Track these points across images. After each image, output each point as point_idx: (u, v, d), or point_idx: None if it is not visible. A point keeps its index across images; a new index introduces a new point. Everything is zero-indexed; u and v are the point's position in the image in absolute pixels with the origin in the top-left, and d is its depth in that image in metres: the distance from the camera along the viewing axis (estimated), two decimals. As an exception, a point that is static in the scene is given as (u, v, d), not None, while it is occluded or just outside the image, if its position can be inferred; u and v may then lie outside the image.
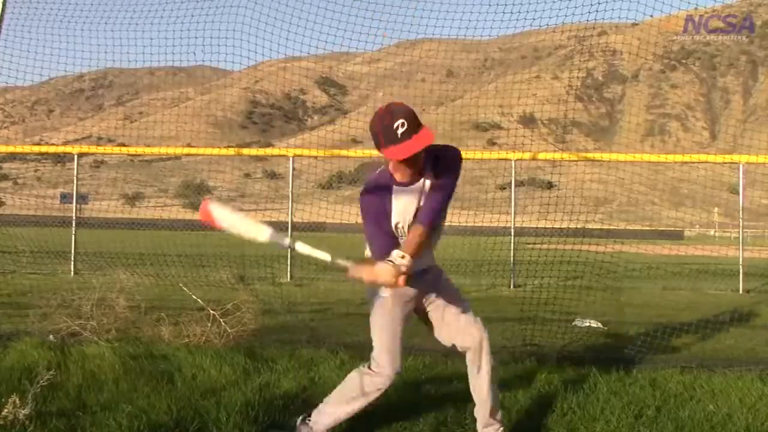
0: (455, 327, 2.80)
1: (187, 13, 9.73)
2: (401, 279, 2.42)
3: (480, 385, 2.79)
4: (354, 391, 2.81)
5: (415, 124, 2.46)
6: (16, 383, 3.39)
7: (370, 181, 2.69)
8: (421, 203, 2.62)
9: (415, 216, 2.63)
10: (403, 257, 2.44)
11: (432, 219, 2.59)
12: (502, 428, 2.82)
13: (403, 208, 2.63)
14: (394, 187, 2.62)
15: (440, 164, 2.62)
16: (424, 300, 2.86)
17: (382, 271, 2.41)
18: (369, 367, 2.81)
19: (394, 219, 2.63)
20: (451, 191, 2.65)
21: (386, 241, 2.58)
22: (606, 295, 8.85)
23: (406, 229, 2.64)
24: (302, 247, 2.55)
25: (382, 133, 2.47)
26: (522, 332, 5.30)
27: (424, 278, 2.80)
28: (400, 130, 2.43)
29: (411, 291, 2.76)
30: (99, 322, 4.79)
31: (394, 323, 2.78)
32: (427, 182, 2.62)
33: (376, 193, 2.64)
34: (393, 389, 3.53)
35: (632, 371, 4.02)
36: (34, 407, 2.92)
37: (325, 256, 2.51)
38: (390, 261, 2.43)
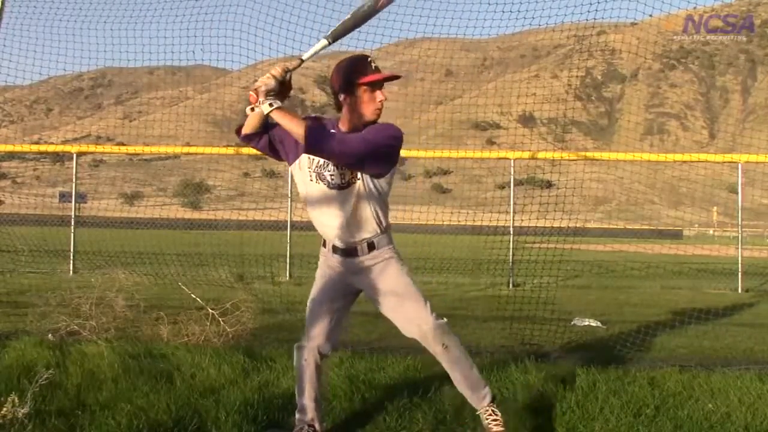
0: (399, 322, 2.80)
1: (186, 12, 9.71)
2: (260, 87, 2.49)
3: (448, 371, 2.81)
4: (296, 372, 2.90)
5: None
6: (15, 382, 3.39)
7: (320, 116, 2.86)
8: None
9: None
10: (271, 104, 2.49)
11: (313, 140, 2.48)
12: (489, 410, 2.80)
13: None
14: (333, 130, 2.71)
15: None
16: (367, 289, 2.84)
17: (270, 83, 2.49)
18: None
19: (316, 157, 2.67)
20: (375, 145, 2.60)
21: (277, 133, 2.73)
22: (605, 294, 8.86)
23: (320, 174, 2.70)
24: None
25: (358, 65, 2.67)
26: (521, 331, 5.30)
27: (355, 261, 2.77)
28: (374, 64, 2.68)
29: (338, 266, 2.81)
30: (98, 321, 4.80)
31: (318, 294, 2.86)
32: None
33: (320, 122, 2.75)
34: (392, 388, 3.55)
35: (631, 370, 4.02)
36: (33, 406, 2.92)
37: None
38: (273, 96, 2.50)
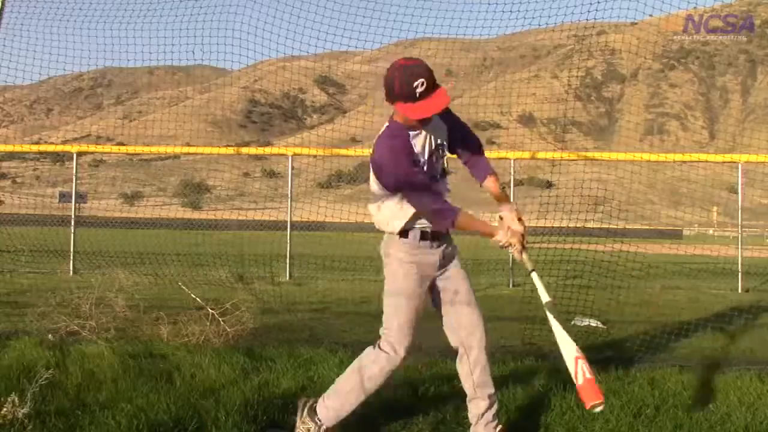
0: (459, 320, 2.80)
1: (186, 12, 9.73)
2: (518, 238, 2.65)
3: (477, 380, 2.78)
4: (363, 376, 2.78)
5: (432, 83, 2.53)
6: (15, 382, 3.38)
7: (386, 134, 2.69)
8: (436, 142, 2.72)
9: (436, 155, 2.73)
10: (516, 209, 2.66)
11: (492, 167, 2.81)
12: (500, 426, 2.82)
13: (420, 148, 2.69)
14: (411, 133, 2.67)
15: (451, 125, 2.81)
16: (440, 273, 2.83)
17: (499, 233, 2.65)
18: (380, 348, 2.78)
19: (415, 158, 2.69)
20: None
21: (423, 178, 2.65)
22: (605, 294, 8.85)
23: (423, 164, 2.69)
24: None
25: (400, 88, 2.52)
26: (521, 331, 5.30)
27: (445, 245, 2.80)
28: (419, 90, 2.49)
29: (434, 259, 2.77)
30: (98, 321, 4.79)
31: (414, 298, 2.76)
32: (440, 129, 2.72)
33: (403, 139, 2.65)
34: (392, 388, 3.54)
35: (631, 370, 4.02)
36: (33, 406, 2.92)
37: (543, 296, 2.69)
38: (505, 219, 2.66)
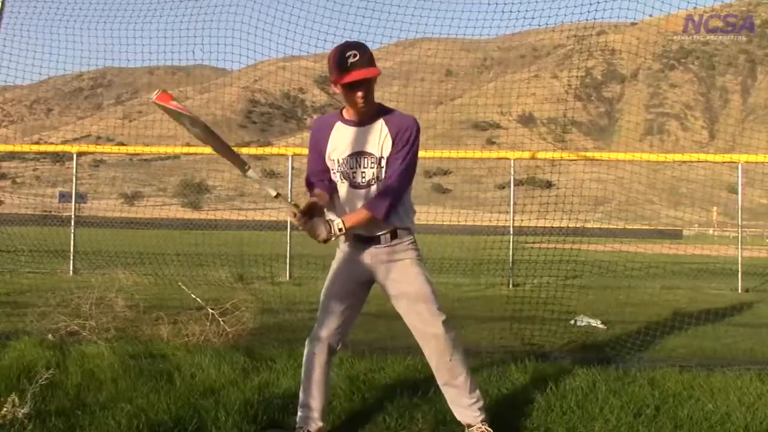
0: (412, 328, 2.81)
1: (186, 12, 9.74)
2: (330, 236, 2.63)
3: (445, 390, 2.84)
4: (304, 366, 2.86)
5: (367, 60, 2.57)
6: (15, 382, 3.39)
7: (320, 117, 2.89)
8: (366, 148, 2.71)
9: (357, 157, 2.72)
10: (340, 228, 2.63)
11: (379, 212, 2.68)
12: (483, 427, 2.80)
13: (341, 143, 2.75)
14: (338, 123, 2.77)
15: (396, 140, 2.69)
16: (384, 284, 2.83)
17: (317, 228, 2.61)
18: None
19: (330, 150, 2.78)
20: (407, 172, 2.72)
21: (315, 170, 2.85)
22: (605, 294, 8.86)
23: (340, 161, 2.75)
24: (254, 175, 2.72)
25: (335, 61, 2.60)
26: (521, 331, 5.30)
27: (377, 251, 2.78)
28: (351, 60, 2.55)
29: (358, 257, 2.80)
30: (98, 321, 4.80)
31: (334, 287, 2.86)
32: (377, 134, 2.70)
33: (320, 126, 2.84)
34: (392, 388, 3.54)
35: (631, 370, 4.02)
36: (33, 406, 2.92)
37: (271, 191, 2.70)
38: (330, 221, 2.64)
